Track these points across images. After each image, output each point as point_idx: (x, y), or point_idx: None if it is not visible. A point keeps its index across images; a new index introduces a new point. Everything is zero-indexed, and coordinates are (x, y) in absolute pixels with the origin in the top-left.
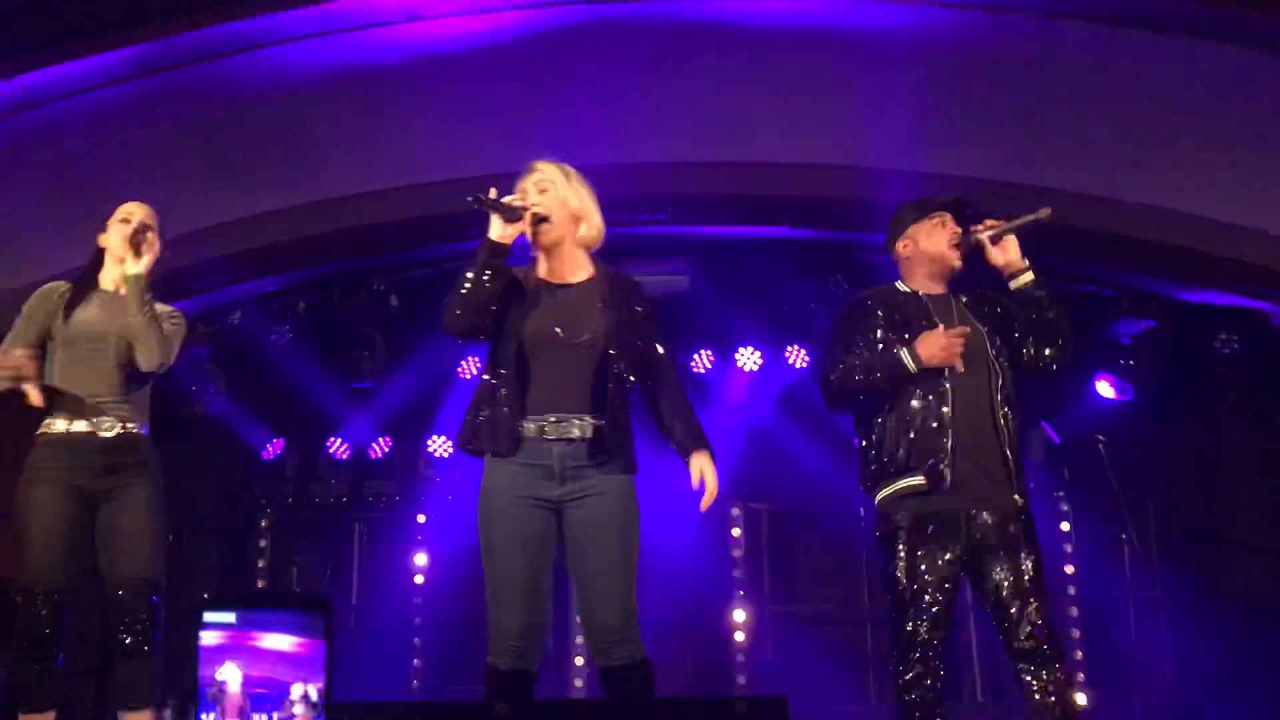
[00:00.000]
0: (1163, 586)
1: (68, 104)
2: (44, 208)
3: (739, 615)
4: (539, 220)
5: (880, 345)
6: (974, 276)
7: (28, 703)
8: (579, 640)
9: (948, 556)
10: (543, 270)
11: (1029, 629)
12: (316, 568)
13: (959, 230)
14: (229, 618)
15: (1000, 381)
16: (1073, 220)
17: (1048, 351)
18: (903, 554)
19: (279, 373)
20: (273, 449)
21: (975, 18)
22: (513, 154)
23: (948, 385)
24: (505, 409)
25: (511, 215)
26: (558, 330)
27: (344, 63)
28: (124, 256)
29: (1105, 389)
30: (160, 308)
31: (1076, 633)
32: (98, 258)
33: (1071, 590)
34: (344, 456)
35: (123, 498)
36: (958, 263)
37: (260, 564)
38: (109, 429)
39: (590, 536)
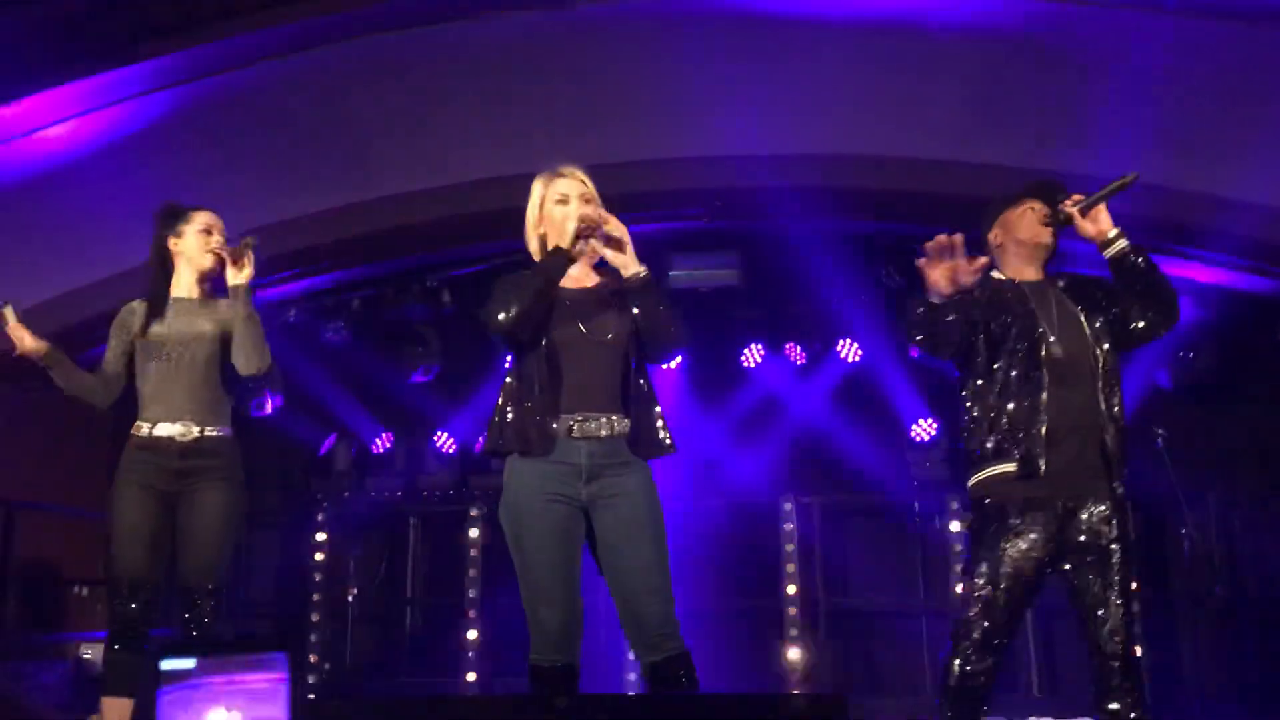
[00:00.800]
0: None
1: (125, 106)
2: (105, 208)
3: (791, 609)
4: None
5: (976, 324)
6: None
7: (112, 688)
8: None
9: (1033, 549)
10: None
11: (1115, 636)
12: (372, 562)
13: (1048, 210)
14: (188, 664)
15: (1102, 366)
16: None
17: (1152, 315)
18: (985, 541)
19: (336, 369)
20: (329, 444)
21: (1026, 6)
22: (562, 151)
23: (1045, 369)
24: (535, 409)
25: (592, 234)
26: (583, 330)
27: (397, 59)
28: (210, 265)
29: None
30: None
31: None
32: (167, 265)
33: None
34: (392, 450)
35: (196, 500)
36: (1048, 239)
37: (318, 557)
38: (184, 434)
39: (626, 537)
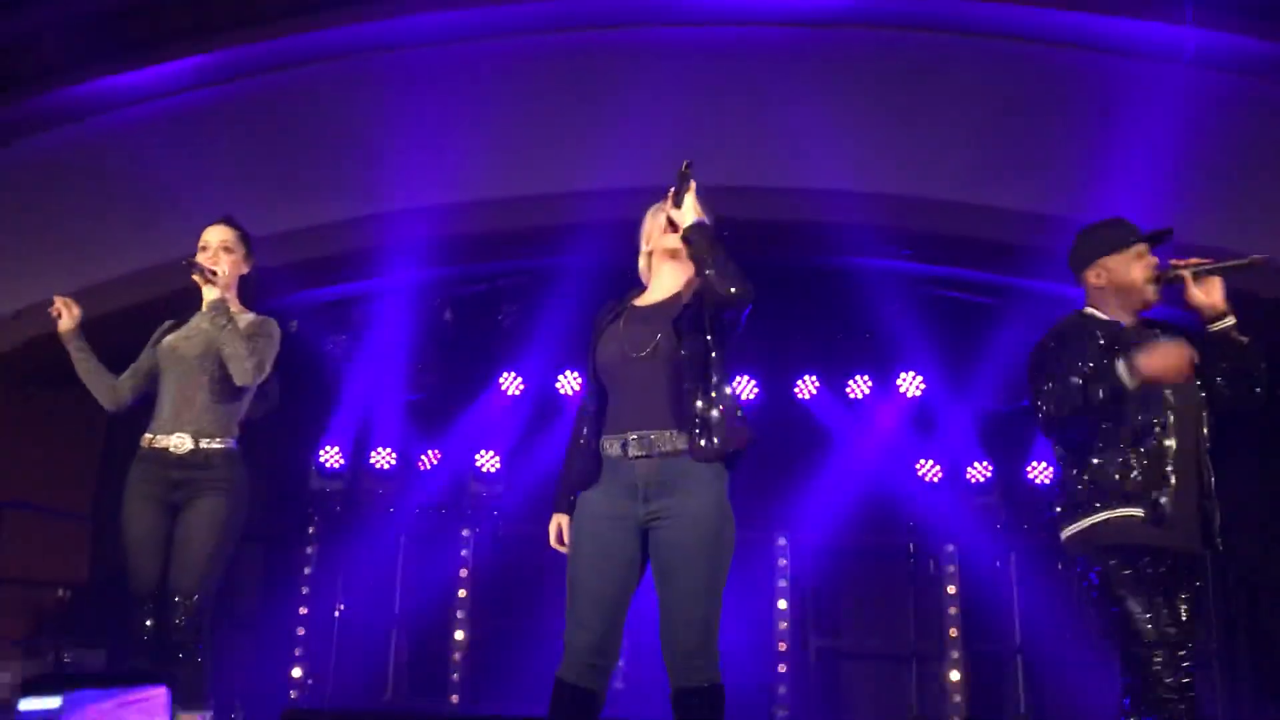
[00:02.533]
0: None
1: (137, 110)
2: (108, 211)
3: (780, 645)
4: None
5: (1098, 367)
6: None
7: None
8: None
9: (1182, 596)
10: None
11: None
12: (360, 577)
13: (1156, 262)
14: (51, 703)
15: (1206, 417)
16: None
17: (1243, 397)
18: (1137, 596)
19: (332, 380)
20: (325, 457)
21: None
22: (566, 173)
23: (1172, 415)
24: (588, 432)
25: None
26: (625, 348)
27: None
28: (203, 281)
29: None
30: (251, 321)
31: None
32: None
33: None
34: (391, 467)
35: (190, 510)
36: (1154, 298)
37: (306, 571)
38: (181, 445)
39: (672, 562)
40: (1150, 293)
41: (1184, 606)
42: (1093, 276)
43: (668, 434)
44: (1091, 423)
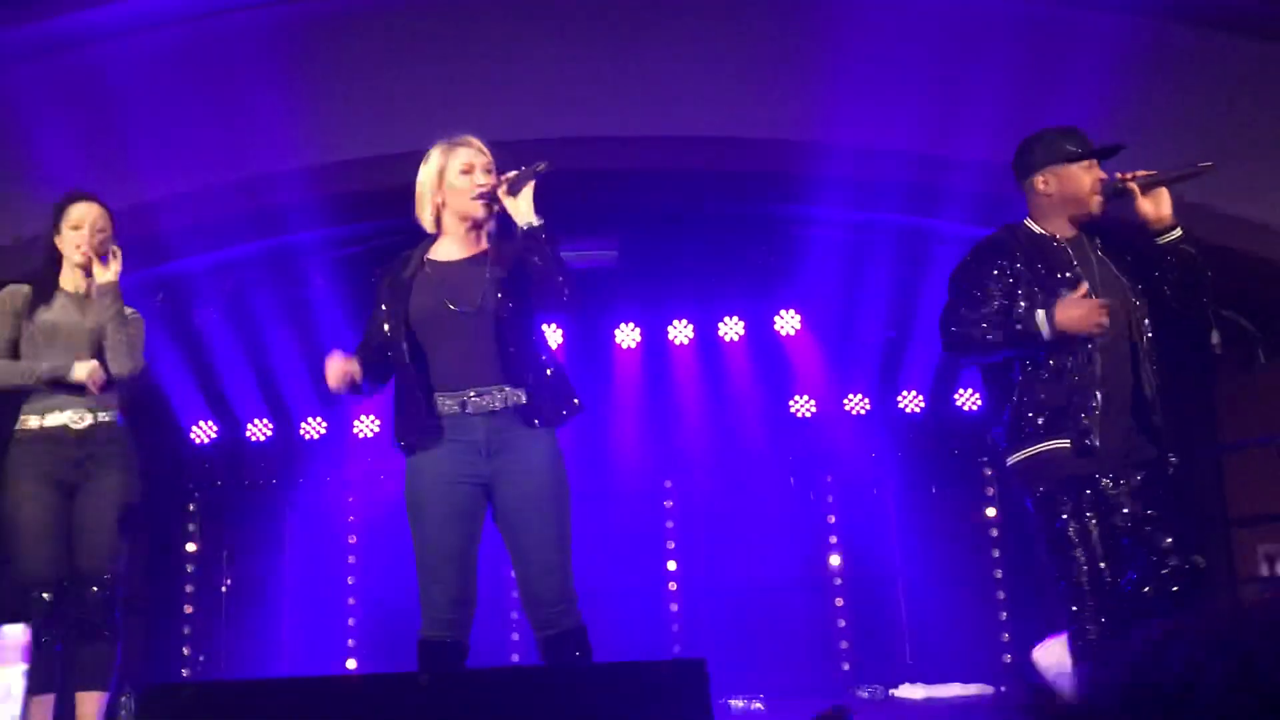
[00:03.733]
0: None
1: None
2: (80, 147)
3: (670, 585)
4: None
5: (1018, 289)
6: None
7: (34, 687)
8: (514, 615)
9: (1096, 520)
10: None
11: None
12: (246, 551)
13: (1104, 176)
14: None
15: (1144, 337)
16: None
17: (1191, 306)
18: (1067, 512)
19: (204, 352)
20: (203, 431)
21: None
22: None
23: (1095, 342)
24: (418, 391)
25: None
26: (450, 305)
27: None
28: (80, 262)
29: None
30: (130, 311)
31: None
32: (53, 257)
33: None
34: (269, 437)
35: (92, 488)
36: (1098, 210)
37: (191, 548)
38: (79, 420)
39: (524, 515)
40: (1095, 205)
41: (1128, 529)
42: (1040, 183)
43: (505, 390)
44: (995, 356)
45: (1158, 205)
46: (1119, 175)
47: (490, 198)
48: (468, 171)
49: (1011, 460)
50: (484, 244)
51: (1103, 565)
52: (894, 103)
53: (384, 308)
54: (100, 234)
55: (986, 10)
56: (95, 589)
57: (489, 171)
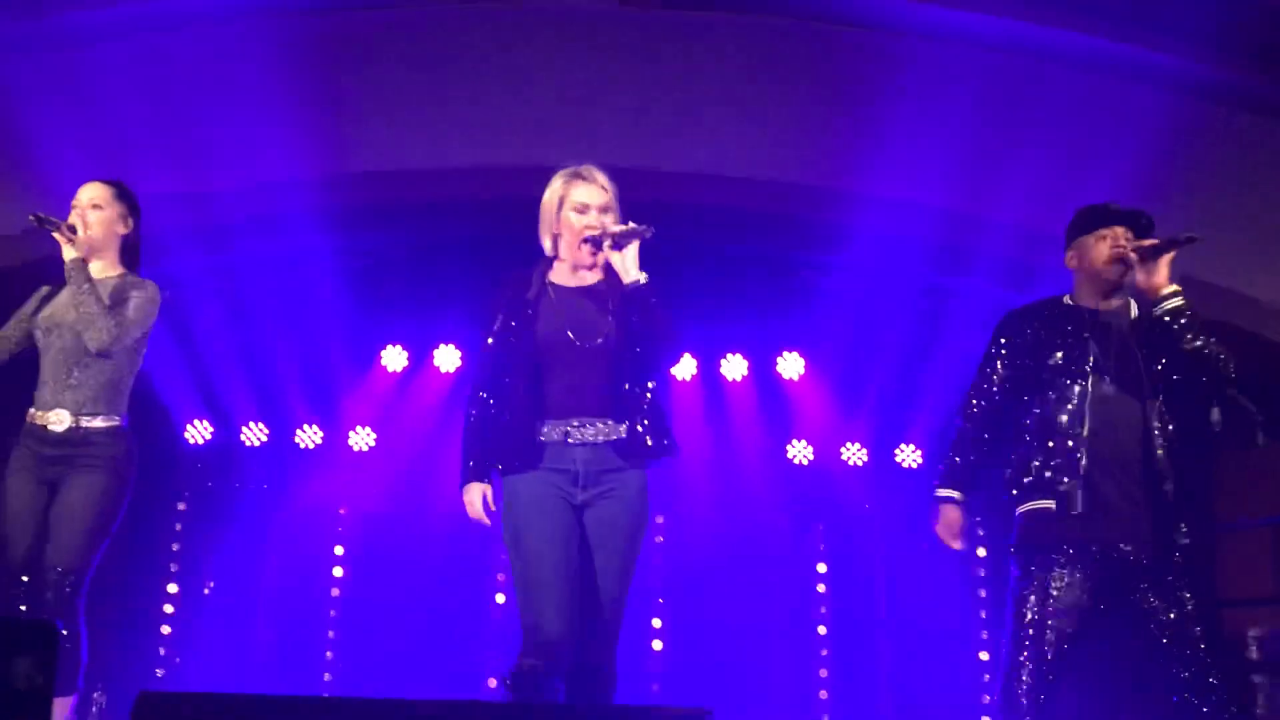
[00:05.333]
0: None
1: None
2: (142, 135)
3: (655, 622)
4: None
5: (1022, 363)
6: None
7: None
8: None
9: (1076, 589)
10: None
11: (1191, 683)
12: (231, 555)
13: (1122, 246)
14: None
15: (1158, 401)
16: None
17: (1217, 375)
18: (1035, 574)
19: (203, 351)
20: (197, 431)
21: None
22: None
23: (1089, 401)
24: (520, 416)
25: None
26: (571, 336)
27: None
28: (66, 242)
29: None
30: (119, 281)
31: None
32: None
33: None
34: (264, 442)
35: (67, 487)
36: (1115, 279)
37: (174, 548)
38: (58, 421)
39: (600, 540)
40: (1112, 273)
41: (1079, 593)
42: (1069, 259)
43: (607, 424)
44: (1004, 417)
45: (1149, 274)
46: (1122, 242)
47: (595, 245)
48: (581, 211)
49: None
50: (601, 272)
51: (1041, 654)
52: (926, 156)
53: (511, 323)
54: (94, 209)
55: (1032, 72)
56: (55, 589)
57: (606, 211)
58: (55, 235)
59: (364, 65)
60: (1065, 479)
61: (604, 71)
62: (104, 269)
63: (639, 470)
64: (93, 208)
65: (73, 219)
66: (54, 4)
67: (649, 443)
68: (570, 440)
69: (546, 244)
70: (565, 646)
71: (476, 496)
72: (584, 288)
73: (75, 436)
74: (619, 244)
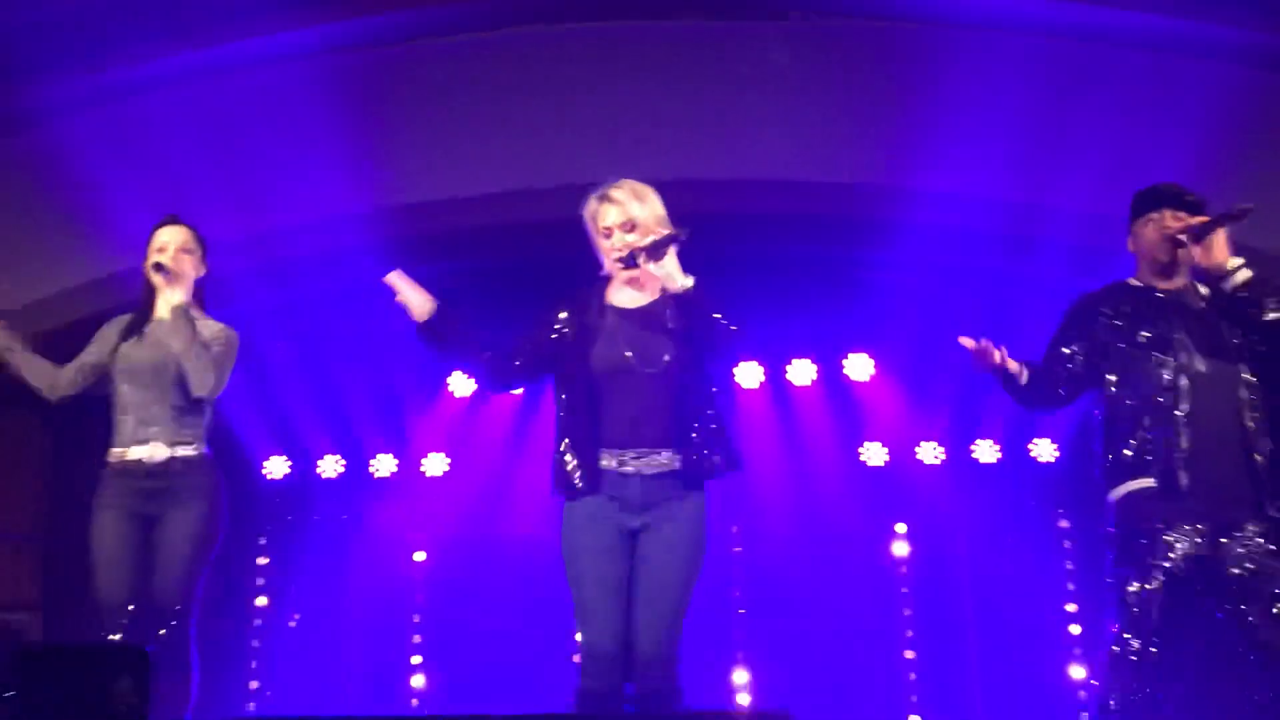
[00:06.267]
0: None
1: (241, 78)
2: (202, 178)
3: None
4: None
5: (1106, 343)
6: None
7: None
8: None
9: (1188, 567)
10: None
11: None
12: (314, 587)
13: (1169, 227)
14: None
15: (1245, 379)
16: None
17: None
18: (1137, 554)
19: (278, 386)
20: (274, 467)
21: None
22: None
23: (1185, 380)
24: (580, 444)
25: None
26: (629, 356)
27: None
28: (160, 285)
29: None
30: (209, 330)
31: None
32: (148, 286)
33: None
34: (340, 474)
35: (167, 522)
36: (1166, 259)
37: (259, 581)
38: (155, 455)
39: (658, 559)
40: (1164, 255)
41: (1181, 570)
42: (1129, 243)
43: (665, 455)
44: (1097, 394)
45: (1207, 251)
46: (1169, 224)
47: (630, 263)
48: (607, 236)
49: (1109, 500)
50: (657, 290)
51: (1143, 640)
52: (984, 147)
53: (570, 345)
54: (185, 254)
55: (1086, 55)
56: (167, 623)
57: (631, 229)
58: (159, 280)
59: (412, 96)
60: (1168, 457)
61: (651, 86)
62: (193, 312)
63: (696, 494)
64: (184, 251)
65: (164, 261)
66: (112, 58)
67: (707, 466)
68: (628, 471)
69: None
70: (619, 667)
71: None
72: (642, 308)
73: (173, 468)
74: (653, 256)
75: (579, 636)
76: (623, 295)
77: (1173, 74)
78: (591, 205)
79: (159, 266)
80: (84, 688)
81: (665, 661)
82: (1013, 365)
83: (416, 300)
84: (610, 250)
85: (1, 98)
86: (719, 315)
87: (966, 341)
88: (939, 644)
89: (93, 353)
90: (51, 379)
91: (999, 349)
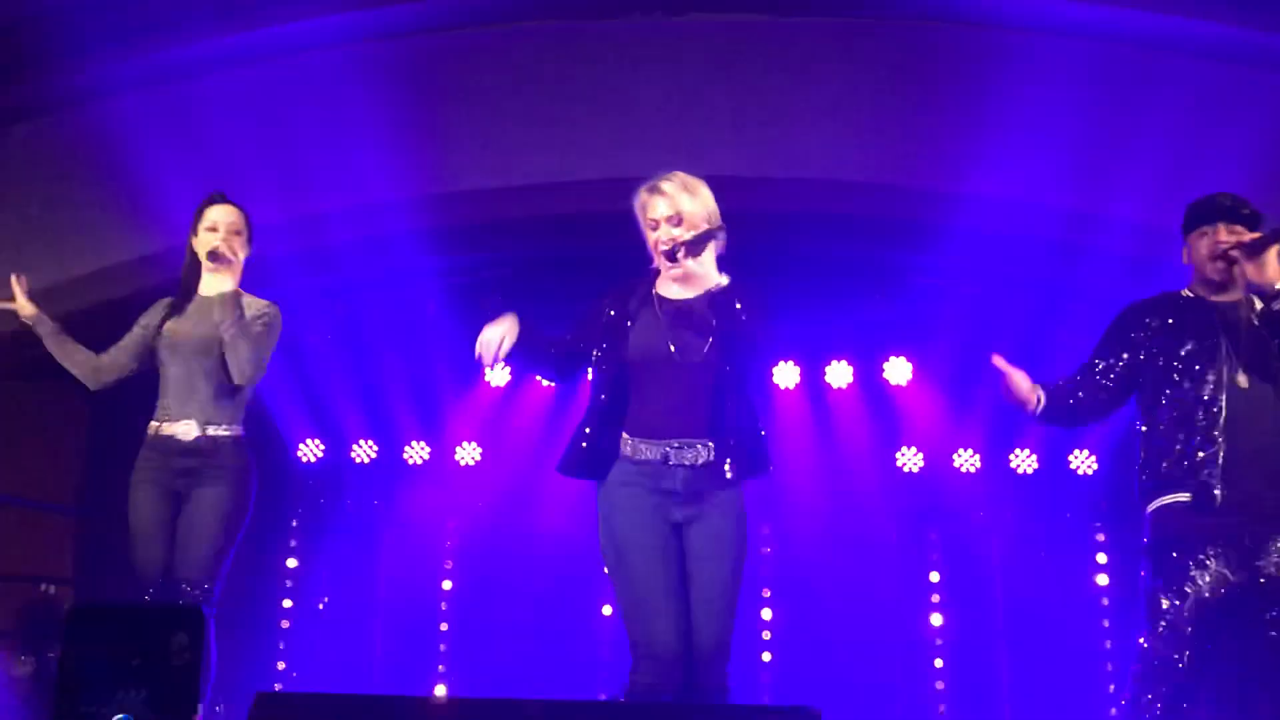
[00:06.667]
0: None
1: (287, 61)
2: (245, 160)
3: (765, 634)
4: None
5: (1147, 353)
6: None
7: None
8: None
9: (1222, 583)
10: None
11: None
12: (344, 570)
13: (1223, 242)
14: None
15: None
16: None
17: None
18: (1170, 570)
19: (313, 370)
20: (309, 450)
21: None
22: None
23: (1224, 395)
24: (618, 433)
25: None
26: (672, 349)
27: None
28: (210, 266)
29: None
30: (252, 307)
31: None
32: (192, 260)
33: None
34: (373, 459)
35: (195, 498)
36: (1217, 277)
37: (291, 564)
38: (189, 432)
39: (703, 555)
40: (1211, 270)
41: (1224, 588)
42: (1183, 254)
43: (708, 446)
44: (1138, 404)
45: (1259, 268)
46: (1222, 240)
47: (670, 258)
48: (653, 228)
49: (1145, 513)
50: (705, 283)
51: (1177, 656)
52: (1035, 153)
53: (613, 334)
54: (236, 236)
55: (1143, 61)
56: (190, 598)
57: (677, 223)
58: (212, 264)
59: (460, 84)
60: (1204, 472)
61: (701, 82)
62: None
63: (736, 489)
64: (235, 234)
65: (216, 245)
66: (162, 40)
67: (745, 464)
68: (670, 462)
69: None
70: (678, 661)
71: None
72: (687, 300)
73: (204, 446)
74: (692, 251)
75: (630, 633)
76: (670, 288)
77: (1232, 83)
78: (642, 196)
79: (215, 255)
80: (140, 645)
81: (720, 657)
82: (1030, 399)
83: (508, 341)
84: (656, 243)
85: (51, 76)
86: (745, 317)
87: (1000, 363)
88: (969, 653)
89: (136, 334)
90: (92, 366)
91: (1028, 386)
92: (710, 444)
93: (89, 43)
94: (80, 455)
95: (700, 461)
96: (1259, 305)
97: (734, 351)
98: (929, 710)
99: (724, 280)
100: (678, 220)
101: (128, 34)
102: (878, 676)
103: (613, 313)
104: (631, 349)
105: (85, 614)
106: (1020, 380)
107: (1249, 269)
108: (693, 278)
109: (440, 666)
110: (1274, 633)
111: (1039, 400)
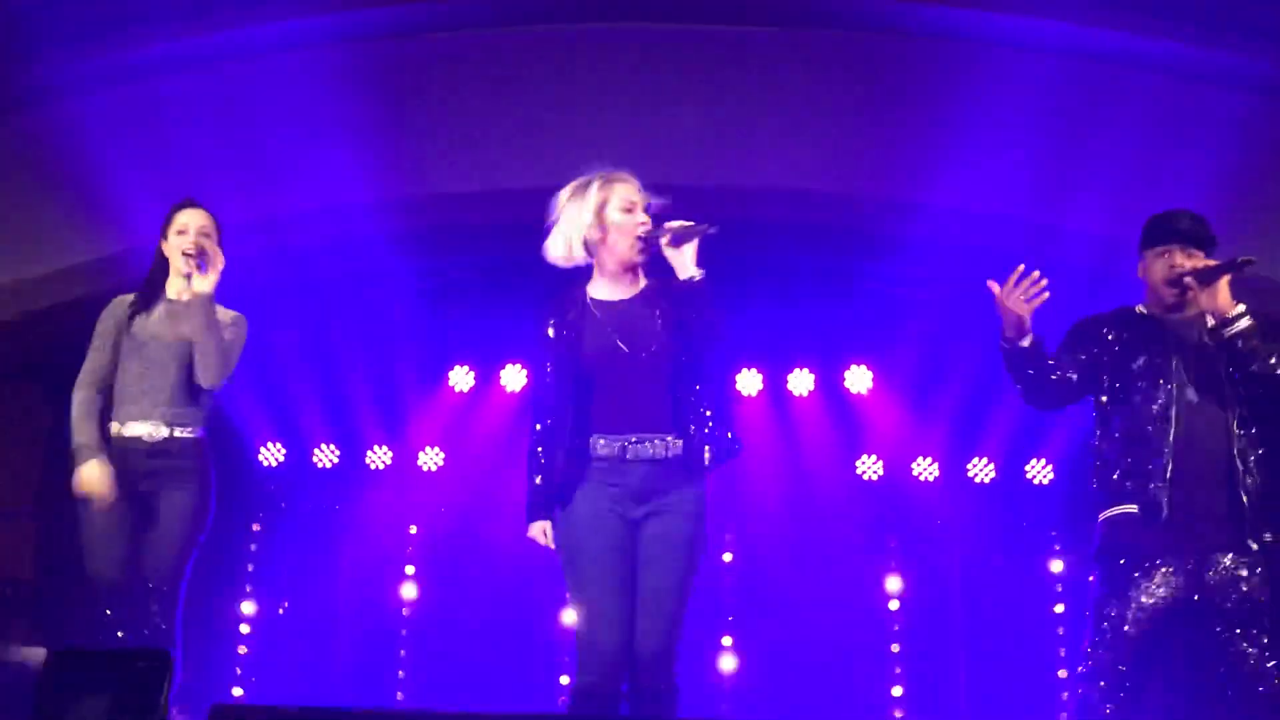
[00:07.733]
0: None
1: (254, 63)
2: (210, 161)
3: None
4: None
5: (1100, 365)
6: None
7: None
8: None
9: (1168, 593)
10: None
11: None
12: (305, 575)
13: (1178, 266)
14: None
15: (1238, 413)
16: None
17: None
18: (1117, 579)
19: (275, 374)
20: (270, 454)
21: None
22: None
23: (1175, 409)
24: (574, 432)
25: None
26: (622, 345)
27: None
28: (183, 269)
29: None
30: (222, 315)
31: None
32: (161, 264)
33: None
34: (335, 464)
35: (161, 501)
36: (1170, 299)
37: (249, 568)
38: (153, 434)
39: (656, 555)
40: (1165, 294)
41: (1166, 599)
42: (1139, 269)
43: (666, 440)
44: (1093, 416)
45: (1211, 296)
46: (1178, 264)
47: (650, 243)
48: (630, 210)
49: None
50: (642, 280)
51: (1123, 665)
52: (997, 166)
53: (561, 342)
54: (205, 239)
55: (1104, 78)
56: (157, 603)
57: (645, 213)
58: (189, 268)
59: (430, 89)
60: (1151, 485)
61: (664, 91)
62: None
63: (698, 485)
64: (205, 237)
65: (187, 246)
66: (129, 39)
67: (707, 456)
68: (628, 456)
69: (576, 253)
70: (622, 662)
71: (539, 534)
72: (626, 299)
73: (169, 447)
74: (677, 241)
75: (578, 631)
76: (602, 290)
77: (1191, 101)
78: (599, 185)
79: (199, 257)
80: (104, 689)
81: (667, 659)
82: (1023, 327)
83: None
84: (637, 225)
85: (12, 74)
86: (707, 307)
87: (994, 286)
88: (927, 658)
89: (107, 343)
90: (99, 377)
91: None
92: (672, 438)
93: (52, 41)
94: (40, 456)
95: (661, 455)
96: (1211, 322)
97: (691, 342)
98: (886, 716)
99: (699, 273)
100: (648, 206)
101: (91, 33)
102: (836, 683)
103: (557, 329)
104: (585, 352)
105: (63, 660)
106: (1017, 305)
107: (1202, 296)
108: (623, 277)
109: (400, 672)
110: (1217, 643)
111: (1030, 337)
